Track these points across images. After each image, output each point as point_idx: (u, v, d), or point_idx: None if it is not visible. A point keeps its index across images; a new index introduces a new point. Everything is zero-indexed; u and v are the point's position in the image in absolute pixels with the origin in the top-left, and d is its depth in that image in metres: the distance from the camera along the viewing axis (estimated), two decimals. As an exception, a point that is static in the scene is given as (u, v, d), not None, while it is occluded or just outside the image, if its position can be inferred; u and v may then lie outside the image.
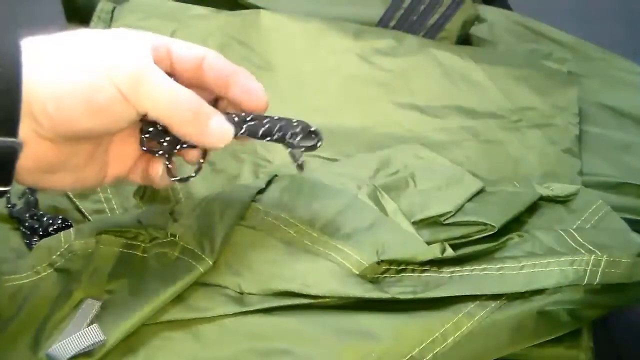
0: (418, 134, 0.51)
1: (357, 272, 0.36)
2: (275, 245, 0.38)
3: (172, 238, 0.38)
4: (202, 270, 0.36)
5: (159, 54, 0.31)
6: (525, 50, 0.59)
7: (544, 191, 0.43)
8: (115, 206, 0.45)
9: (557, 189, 0.44)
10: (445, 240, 0.38)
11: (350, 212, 0.39)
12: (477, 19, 0.59)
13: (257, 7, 0.55)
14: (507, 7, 0.64)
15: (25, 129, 0.28)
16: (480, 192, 0.42)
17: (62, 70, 0.28)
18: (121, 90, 0.29)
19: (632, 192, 0.52)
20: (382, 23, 0.56)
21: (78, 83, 0.28)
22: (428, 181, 0.43)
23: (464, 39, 0.58)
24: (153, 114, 0.30)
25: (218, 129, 0.32)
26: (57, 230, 0.44)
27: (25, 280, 0.38)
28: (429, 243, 0.38)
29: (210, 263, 0.36)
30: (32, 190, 0.46)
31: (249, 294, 0.36)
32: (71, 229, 0.41)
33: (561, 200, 0.44)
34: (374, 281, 0.36)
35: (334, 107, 0.51)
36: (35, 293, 0.38)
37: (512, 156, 0.51)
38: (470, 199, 0.41)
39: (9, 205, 0.45)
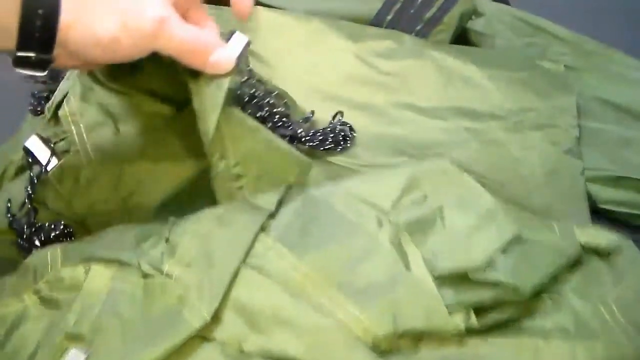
0: (419, 135, 0.50)
1: (369, 340, 0.33)
2: (280, 295, 0.34)
3: (167, 278, 0.35)
4: (197, 327, 0.33)
5: None
6: (522, 44, 0.59)
7: (585, 240, 0.39)
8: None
9: (600, 237, 0.39)
10: (471, 304, 0.35)
11: (367, 260, 0.35)
12: (475, 13, 0.59)
13: (257, 4, 0.56)
14: (505, 1, 0.65)
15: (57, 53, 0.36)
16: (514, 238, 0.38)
17: (92, 23, 0.35)
18: (139, 43, 0.36)
19: (631, 186, 0.52)
20: (379, 16, 0.56)
21: (104, 39, 0.35)
22: (458, 218, 0.38)
23: (461, 33, 0.58)
24: (164, 53, 0.38)
25: (216, 63, 0.38)
26: (58, 237, 0.42)
27: (9, 309, 0.37)
28: (453, 309, 0.34)
29: (208, 319, 0.33)
30: (32, 200, 0.44)
31: (249, 353, 0.33)
32: (59, 249, 0.38)
33: (602, 253, 0.40)
34: (386, 351, 0.33)
35: (333, 108, 0.51)
36: (20, 326, 0.36)
37: (514, 157, 0.50)
38: (503, 250, 0.36)
39: (9, 216, 0.44)
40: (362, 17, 0.56)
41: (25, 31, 0.33)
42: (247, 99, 0.46)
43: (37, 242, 0.43)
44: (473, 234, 0.36)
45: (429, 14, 0.56)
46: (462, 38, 0.59)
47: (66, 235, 0.43)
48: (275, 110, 0.47)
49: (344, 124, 0.49)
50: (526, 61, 0.57)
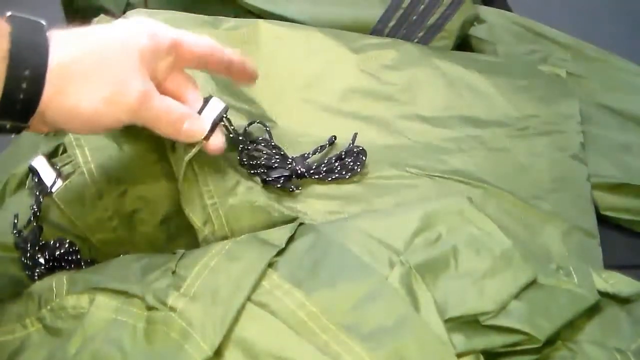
0: (425, 144, 0.50)
1: None
2: (284, 334, 0.34)
3: (171, 312, 0.34)
4: None
5: (167, 53, 0.39)
6: (524, 51, 0.59)
7: (603, 285, 0.38)
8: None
9: (620, 284, 0.39)
10: (481, 351, 0.34)
11: (376, 302, 0.34)
12: (477, 20, 0.59)
13: (257, 9, 0.55)
14: (507, 7, 0.64)
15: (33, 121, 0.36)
16: (530, 283, 0.36)
17: (76, 97, 0.35)
18: (119, 117, 0.37)
19: (633, 193, 0.52)
20: (382, 23, 0.56)
21: (85, 113, 0.36)
22: (472, 261, 0.36)
23: (463, 40, 0.58)
24: (139, 124, 0.38)
25: (189, 132, 0.40)
26: (63, 255, 0.42)
27: (10, 337, 0.36)
28: (462, 354, 0.33)
29: (210, 354, 0.33)
30: (37, 219, 0.43)
31: None
32: (64, 277, 0.38)
33: (621, 299, 0.39)
34: None
35: (335, 122, 0.51)
36: (21, 354, 0.35)
37: (521, 163, 0.50)
38: (517, 295, 0.35)
39: (15, 232, 0.43)
40: (364, 24, 0.56)
41: (7, 103, 0.33)
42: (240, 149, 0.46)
43: (41, 260, 0.42)
44: (487, 277, 0.36)
45: (431, 21, 0.56)
46: (464, 45, 0.59)
47: (71, 253, 0.43)
48: (271, 152, 0.46)
49: (355, 147, 0.48)
50: (528, 68, 0.57)
